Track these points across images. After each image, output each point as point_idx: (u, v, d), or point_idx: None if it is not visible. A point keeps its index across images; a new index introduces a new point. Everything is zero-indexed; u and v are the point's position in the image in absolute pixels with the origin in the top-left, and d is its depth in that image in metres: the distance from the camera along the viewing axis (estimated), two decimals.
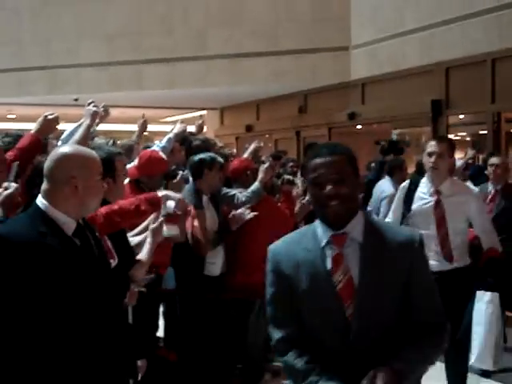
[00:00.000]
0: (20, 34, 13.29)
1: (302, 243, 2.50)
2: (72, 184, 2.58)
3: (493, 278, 5.22)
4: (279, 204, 5.93)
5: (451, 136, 10.18)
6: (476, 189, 5.00)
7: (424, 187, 4.81)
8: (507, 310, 6.06)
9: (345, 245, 2.43)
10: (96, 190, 2.68)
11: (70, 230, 2.60)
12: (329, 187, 2.39)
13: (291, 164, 7.78)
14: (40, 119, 4.25)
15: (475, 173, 8.17)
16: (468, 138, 11.50)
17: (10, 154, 3.91)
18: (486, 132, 9.46)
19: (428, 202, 4.75)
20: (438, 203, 4.70)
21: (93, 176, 2.65)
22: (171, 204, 4.03)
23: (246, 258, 5.32)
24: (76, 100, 12.84)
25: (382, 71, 10.69)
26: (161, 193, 3.93)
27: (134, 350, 2.75)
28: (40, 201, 2.61)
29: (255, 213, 5.34)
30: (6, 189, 3.36)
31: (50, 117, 4.27)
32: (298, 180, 6.54)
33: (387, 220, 4.99)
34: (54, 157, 2.64)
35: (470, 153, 8.34)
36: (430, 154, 4.72)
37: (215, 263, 5.35)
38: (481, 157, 8.47)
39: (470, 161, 8.31)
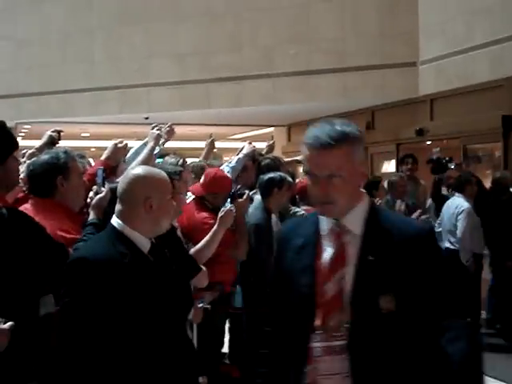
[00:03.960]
0: (93, 54, 13.66)
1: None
2: (147, 204, 2.66)
3: None
4: None
5: None
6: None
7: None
8: None
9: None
10: (168, 208, 2.78)
11: (145, 249, 2.69)
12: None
13: None
14: (110, 147, 4.49)
15: None
16: None
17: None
18: None
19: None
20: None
21: (165, 195, 2.74)
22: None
23: None
24: (147, 118, 13.11)
25: (451, 87, 10.52)
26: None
27: (196, 366, 2.80)
28: (116, 221, 2.70)
29: None
30: (96, 193, 3.52)
31: (119, 145, 4.49)
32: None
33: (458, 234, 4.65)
34: (128, 179, 2.72)
35: None
36: None
37: None
38: None
39: None
